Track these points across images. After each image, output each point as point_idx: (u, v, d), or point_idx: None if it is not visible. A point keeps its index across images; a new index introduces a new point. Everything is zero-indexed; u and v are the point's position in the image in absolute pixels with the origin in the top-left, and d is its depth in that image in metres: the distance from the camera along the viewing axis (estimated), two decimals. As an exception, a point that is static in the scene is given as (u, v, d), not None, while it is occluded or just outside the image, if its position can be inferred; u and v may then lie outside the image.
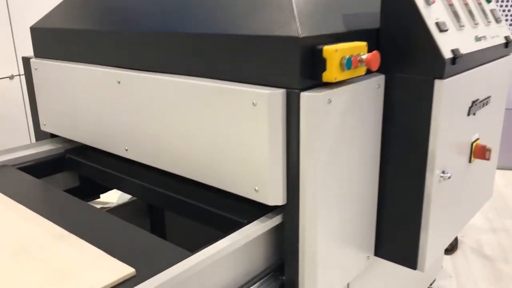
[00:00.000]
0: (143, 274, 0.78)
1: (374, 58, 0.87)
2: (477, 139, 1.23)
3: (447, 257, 2.34)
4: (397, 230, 1.10)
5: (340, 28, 0.92)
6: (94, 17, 1.30)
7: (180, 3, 1.10)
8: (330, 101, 0.86)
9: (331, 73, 0.83)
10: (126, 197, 2.23)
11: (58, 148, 1.48)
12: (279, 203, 0.92)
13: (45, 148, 1.46)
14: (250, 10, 0.94)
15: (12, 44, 2.30)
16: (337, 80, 0.85)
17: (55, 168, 1.45)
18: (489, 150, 1.20)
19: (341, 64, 0.84)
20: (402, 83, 1.00)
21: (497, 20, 1.30)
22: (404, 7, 0.97)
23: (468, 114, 1.14)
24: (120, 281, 0.77)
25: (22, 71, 2.36)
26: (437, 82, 0.97)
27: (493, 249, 2.44)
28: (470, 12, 1.16)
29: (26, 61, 1.50)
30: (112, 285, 0.76)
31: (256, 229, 0.92)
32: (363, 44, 0.90)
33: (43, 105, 1.45)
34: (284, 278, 1.01)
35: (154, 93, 1.07)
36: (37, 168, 1.41)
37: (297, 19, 0.85)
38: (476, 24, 1.16)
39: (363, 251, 1.10)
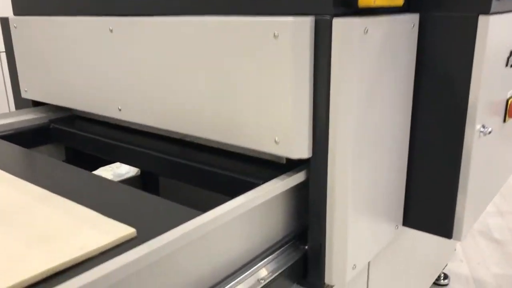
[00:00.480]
0: (146, 235, 0.64)
1: (416, -20, 0.74)
2: (512, 96, 1.11)
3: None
4: (430, 194, 0.97)
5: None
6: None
7: None
8: (367, 30, 0.73)
9: (369, -5, 0.70)
10: (116, 177, 2.08)
11: (41, 117, 1.32)
12: (304, 156, 0.79)
13: (27, 117, 1.30)
14: None
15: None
16: (376, 3, 0.71)
17: (39, 139, 1.30)
18: (527, 108, 1.08)
19: (380, -16, 0.71)
20: (439, 22, 0.87)
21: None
22: None
23: (506, 65, 1.02)
24: (118, 242, 0.62)
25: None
26: (482, 19, 0.84)
27: (503, 233, 2.34)
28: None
29: (4, 21, 1.34)
30: (109, 247, 0.61)
31: (275, 186, 0.79)
32: (402, -33, 0.77)
33: (24, 69, 1.30)
34: (306, 247, 0.87)
35: (153, 39, 0.93)
36: (18, 138, 1.25)
37: None
38: (514, -36, 1.03)
39: (392, 219, 0.97)
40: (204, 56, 0.85)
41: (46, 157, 1.03)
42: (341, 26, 0.71)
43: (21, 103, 1.39)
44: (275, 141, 0.79)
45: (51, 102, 1.25)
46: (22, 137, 1.26)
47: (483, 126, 0.93)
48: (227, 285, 0.73)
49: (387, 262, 1.17)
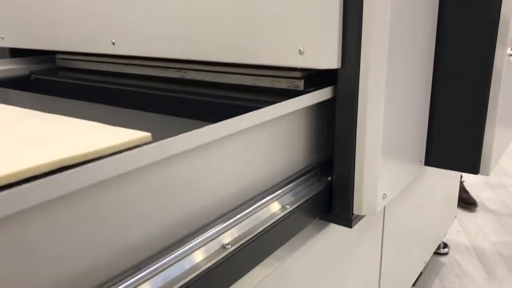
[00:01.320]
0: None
1: None
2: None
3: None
4: (455, 127, 0.90)
5: None
6: None
7: None
8: None
9: None
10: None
11: (21, 68, 1.20)
12: (333, 66, 0.70)
13: (6, 67, 1.18)
14: None
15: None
16: None
17: (19, 88, 1.18)
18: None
19: None
20: None
21: None
22: None
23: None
24: (132, 144, 0.52)
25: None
26: None
27: (496, 204, 2.32)
28: None
29: (-23, -36, 1.22)
30: (123, 147, 0.51)
31: (299, 101, 0.70)
32: None
33: (1, 13, 1.17)
34: (329, 178, 0.79)
35: (153, -47, 0.83)
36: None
37: None
38: None
39: (416, 154, 0.90)
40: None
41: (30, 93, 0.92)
42: None
43: (-3, 53, 1.26)
44: (300, 51, 0.70)
45: (34, 47, 1.13)
46: (3, 87, 1.13)
47: (512, 49, 0.87)
48: (251, 206, 0.64)
49: (400, 213, 1.10)
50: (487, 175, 0.91)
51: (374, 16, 0.67)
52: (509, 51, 0.86)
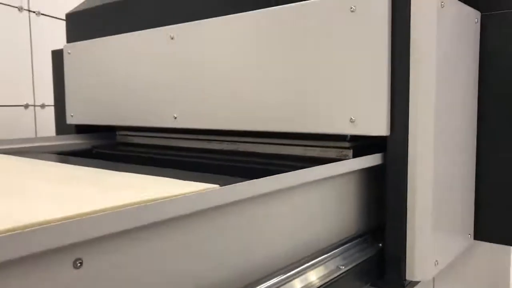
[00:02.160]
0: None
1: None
2: None
3: None
4: (502, 202, 0.91)
5: None
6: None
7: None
8: (443, 4, 0.73)
9: (447, -33, 0.72)
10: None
11: (84, 143, 1.31)
12: (383, 133, 0.75)
13: (72, 141, 1.29)
14: None
15: (31, 74, 2.21)
16: (453, -24, 0.73)
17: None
18: None
19: (456, -41, 0.73)
20: (499, 19, 0.89)
21: None
22: None
23: None
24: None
25: (37, 102, 2.25)
26: (546, 11, 0.85)
27: None
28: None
29: (56, 53, 1.39)
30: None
31: (352, 163, 0.74)
32: (470, -47, 0.80)
33: (72, 95, 1.31)
34: (380, 244, 0.80)
35: (218, 38, 0.94)
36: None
37: None
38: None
39: (466, 226, 0.90)
40: (272, 47, 0.85)
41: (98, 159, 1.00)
42: (420, -2, 0.72)
43: (62, 131, 1.38)
44: (351, 120, 0.76)
45: (100, 123, 1.24)
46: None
47: (555, 125, 0.90)
48: (303, 264, 0.66)
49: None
50: (541, 249, 0.90)
51: (420, 86, 0.73)
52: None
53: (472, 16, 0.86)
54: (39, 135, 2.26)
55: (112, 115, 1.20)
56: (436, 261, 0.78)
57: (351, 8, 0.74)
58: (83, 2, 1.37)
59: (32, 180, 0.67)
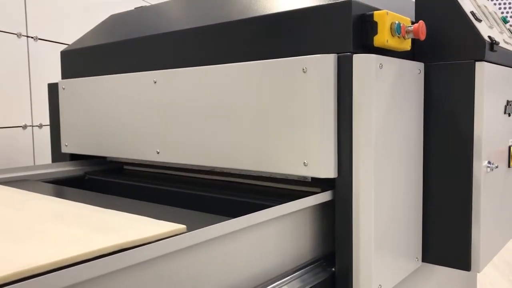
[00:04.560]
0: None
1: (421, 27, 0.89)
2: (513, 144, 1.22)
3: None
4: (445, 228, 1.03)
5: (382, 7, 0.96)
6: (126, 31, 1.33)
7: (213, 1, 1.14)
8: (382, 66, 0.86)
9: (383, 36, 0.85)
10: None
11: (77, 169, 1.43)
12: (331, 175, 0.88)
13: (65, 168, 1.41)
14: (297, -11, 0.97)
15: (29, 95, 2.33)
16: (389, 44, 0.86)
17: (75, 187, 1.39)
18: (527, 155, 1.18)
19: (391, 29, 0.85)
20: (442, 70, 1.01)
21: (516, 38, 1.35)
22: (440, -3, 1.02)
23: (505, 112, 1.14)
24: (171, 234, 0.70)
25: (35, 123, 2.36)
26: (478, 65, 0.98)
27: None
28: (495, 21, 1.22)
29: (52, 86, 1.51)
30: (163, 236, 0.68)
31: (305, 201, 0.87)
32: (408, 19, 0.92)
33: (67, 126, 1.43)
34: (333, 269, 0.92)
35: (193, 86, 1.07)
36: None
37: (346, -11, 0.88)
38: (502, 31, 1.21)
39: (412, 250, 1.02)
40: (240, 96, 0.98)
41: (94, 193, 1.12)
42: (360, 61, 0.84)
43: (57, 158, 1.50)
44: (304, 164, 0.89)
45: (92, 153, 1.36)
46: (62, 184, 1.35)
47: (490, 162, 1.03)
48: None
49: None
50: (479, 271, 1.02)
51: (361, 137, 0.85)
52: (485, 163, 1.02)
53: (415, 68, 0.99)
54: (37, 155, 2.38)
55: (102, 147, 1.32)
56: (380, 285, 0.90)
57: (303, 69, 0.87)
58: (77, 40, 1.49)
59: (17, 217, 0.79)
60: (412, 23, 1.02)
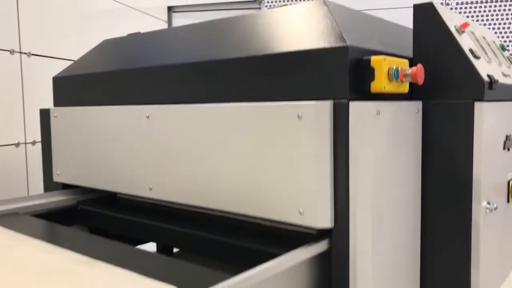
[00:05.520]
0: (186, 293, 0.69)
1: (419, 71, 0.87)
2: (513, 178, 1.20)
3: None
4: (444, 271, 1.01)
5: (381, 49, 0.93)
6: (119, 60, 1.31)
7: (212, 36, 1.12)
8: (379, 112, 0.84)
9: (380, 82, 0.82)
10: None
11: (70, 199, 1.40)
12: (327, 225, 0.85)
13: (57, 198, 1.39)
14: (291, 30, 0.95)
15: (22, 112, 2.30)
16: (386, 89, 0.83)
17: (66, 219, 1.37)
18: (528, 189, 1.16)
19: (389, 74, 0.83)
20: (440, 109, 0.99)
21: (514, 67, 1.33)
22: (438, 33, 1.00)
23: (504, 148, 1.12)
24: (161, 298, 0.67)
25: (28, 140, 2.34)
26: (477, 105, 0.96)
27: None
28: (493, 52, 1.20)
29: (44, 112, 1.48)
30: (154, 302, 0.66)
31: (301, 253, 0.84)
32: (405, 61, 0.90)
33: (59, 155, 1.41)
34: (330, 319, 0.90)
35: (186, 123, 1.04)
36: (48, 218, 1.32)
37: (342, 33, 0.86)
38: (500, 62, 1.18)
39: (410, 293, 1.00)
40: (234, 138, 0.96)
41: (82, 232, 1.10)
42: (357, 109, 0.82)
43: (50, 186, 1.47)
44: (300, 212, 0.86)
45: (83, 184, 1.34)
46: (53, 216, 1.33)
47: (489, 203, 1.01)
48: None
49: None
50: (477, 315, 1.00)
51: (359, 185, 0.83)
52: (484, 204, 1.00)
53: (413, 108, 0.97)
54: (30, 172, 2.35)
55: (94, 179, 1.29)
56: (377, 335, 0.88)
57: (299, 115, 0.85)
58: (70, 66, 1.46)
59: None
60: (410, 61, 1.00)
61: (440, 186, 1.00)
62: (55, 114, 1.40)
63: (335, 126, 0.84)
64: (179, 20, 3.78)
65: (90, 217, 1.34)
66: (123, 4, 3.11)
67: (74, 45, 2.67)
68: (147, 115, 1.12)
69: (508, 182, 1.17)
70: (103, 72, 1.29)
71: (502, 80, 1.10)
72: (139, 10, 3.32)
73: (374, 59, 0.83)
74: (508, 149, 1.15)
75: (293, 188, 0.87)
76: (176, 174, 1.08)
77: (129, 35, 1.41)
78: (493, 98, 1.03)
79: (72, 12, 2.64)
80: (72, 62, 2.61)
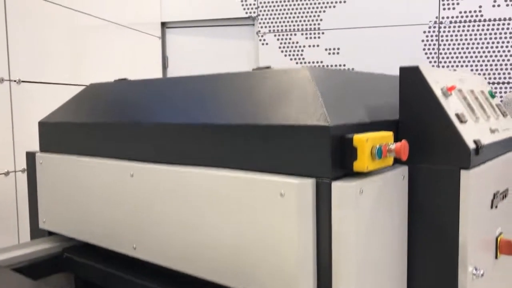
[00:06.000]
0: None
1: (403, 147, 0.86)
2: (501, 233, 1.19)
3: None
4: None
5: (365, 118, 0.92)
6: (105, 110, 1.29)
7: (197, 95, 1.11)
8: (362, 191, 0.83)
9: (363, 162, 0.81)
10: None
11: (55, 246, 1.39)
12: (310, 303, 0.84)
13: (42, 246, 1.37)
14: (275, 100, 0.94)
15: (12, 140, 2.28)
16: (369, 169, 0.82)
17: (52, 268, 1.35)
18: (515, 245, 1.15)
19: (372, 154, 0.82)
20: (426, 174, 0.98)
21: (504, 114, 1.33)
22: (424, 98, 0.99)
23: (491, 207, 1.11)
24: None
25: (18, 168, 2.32)
26: (463, 173, 0.95)
27: None
28: (481, 106, 1.19)
29: (30, 155, 1.47)
30: None
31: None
32: (390, 134, 0.89)
33: (44, 201, 1.39)
34: None
35: (171, 186, 1.03)
36: (33, 269, 1.31)
37: (325, 108, 0.85)
38: (488, 117, 1.18)
39: None
40: (217, 206, 0.94)
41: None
42: (339, 189, 0.81)
43: (37, 232, 1.46)
44: (283, 289, 0.85)
45: (67, 234, 1.32)
46: (37, 267, 1.31)
47: (476, 269, 1.00)
48: None
49: None
50: None
51: (341, 266, 0.82)
52: (471, 270, 0.99)
53: (398, 175, 0.96)
54: (20, 201, 2.32)
55: (79, 230, 1.28)
56: None
57: (281, 192, 0.83)
58: (56, 111, 1.45)
59: None
60: (396, 124, 1.00)
61: (426, 252, 0.99)
62: (41, 161, 1.38)
63: (317, 204, 0.83)
64: (172, 36, 3.76)
65: (75, 267, 1.33)
66: (115, 23, 3.09)
67: (69, 67, 2.65)
68: (131, 173, 1.11)
69: (496, 239, 1.16)
70: (88, 122, 1.27)
71: (489, 139, 1.09)
72: (132, 28, 3.30)
73: (357, 138, 0.81)
74: (496, 207, 1.14)
75: (277, 264, 0.86)
76: (160, 236, 1.06)
77: (116, 81, 1.40)
78: (480, 162, 1.02)
79: (64, 32, 2.62)
80: (66, 85, 2.60)
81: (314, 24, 3.47)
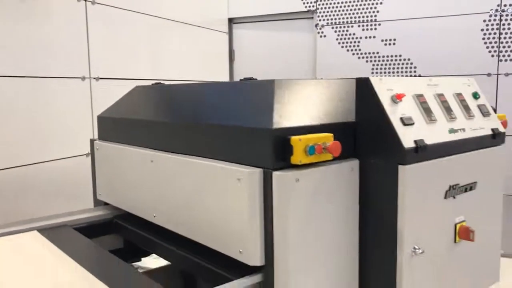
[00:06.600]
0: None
1: (334, 146, 1.07)
2: (463, 221, 1.33)
3: None
4: (378, 301, 1.21)
5: (310, 121, 1.15)
6: (141, 108, 1.64)
7: (191, 100, 1.40)
8: (298, 180, 1.07)
9: (297, 157, 1.05)
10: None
11: (108, 214, 1.78)
12: (258, 264, 1.11)
13: (97, 213, 1.77)
14: (241, 107, 1.20)
15: (92, 127, 2.76)
16: (302, 162, 1.06)
17: (104, 230, 1.74)
18: (473, 232, 1.30)
19: (305, 151, 1.05)
20: (372, 167, 1.18)
21: (484, 114, 1.44)
22: (372, 104, 1.18)
23: (446, 197, 1.27)
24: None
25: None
26: (400, 168, 1.14)
27: None
28: (448, 108, 1.33)
29: (92, 142, 1.87)
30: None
31: (237, 284, 1.11)
32: (329, 135, 1.11)
33: (100, 179, 1.78)
34: None
35: (173, 169, 1.34)
36: (90, 230, 1.70)
37: (274, 115, 1.09)
38: (453, 118, 1.32)
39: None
40: (195, 186, 1.24)
41: (109, 254, 1.43)
42: (277, 177, 1.06)
43: (98, 201, 1.87)
44: (240, 252, 1.13)
45: (114, 204, 1.70)
46: (93, 228, 1.71)
47: (415, 248, 1.18)
48: None
49: None
50: None
51: (280, 237, 1.07)
52: (409, 250, 1.17)
53: (346, 167, 1.17)
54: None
55: (120, 201, 1.65)
56: None
57: (238, 178, 1.10)
58: (110, 107, 1.83)
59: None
60: (354, 124, 1.20)
61: (374, 234, 1.20)
62: (97, 147, 1.77)
63: (264, 188, 1.09)
64: (238, 31, 4.08)
65: (122, 231, 1.70)
66: (185, 23, 3.46)
67: (148, 65, 3.09)
68: (151, 160, 1.44)
69: (455, 225, 1.32)
70: (127, 118, 1.63)
71: (445, 138, 1.25)
72: (201, 27, 3.66)
73: (293, 139, 1.05)
74: (454, 197, 1.30)
75: (235, 233, 1.13)
76: (169, 208, 1.38)
77: (153, 85, 1.74)
78: (425, 158, 1.19)
79: (143, 34, 3.05)
80: (145, 80, 3.03)
81: (371, 16, 3.56)
